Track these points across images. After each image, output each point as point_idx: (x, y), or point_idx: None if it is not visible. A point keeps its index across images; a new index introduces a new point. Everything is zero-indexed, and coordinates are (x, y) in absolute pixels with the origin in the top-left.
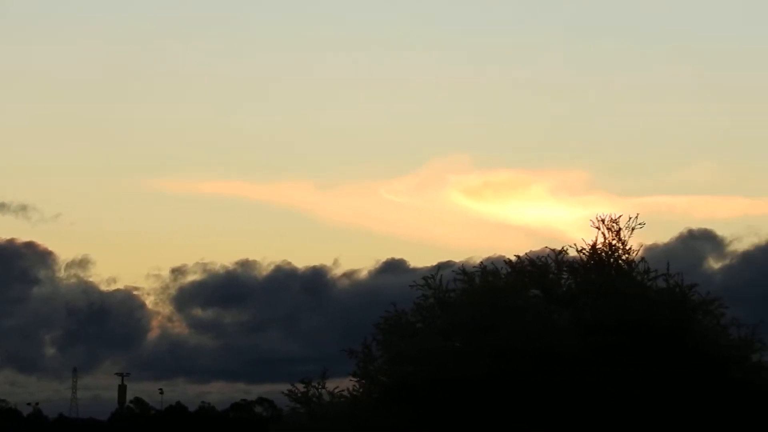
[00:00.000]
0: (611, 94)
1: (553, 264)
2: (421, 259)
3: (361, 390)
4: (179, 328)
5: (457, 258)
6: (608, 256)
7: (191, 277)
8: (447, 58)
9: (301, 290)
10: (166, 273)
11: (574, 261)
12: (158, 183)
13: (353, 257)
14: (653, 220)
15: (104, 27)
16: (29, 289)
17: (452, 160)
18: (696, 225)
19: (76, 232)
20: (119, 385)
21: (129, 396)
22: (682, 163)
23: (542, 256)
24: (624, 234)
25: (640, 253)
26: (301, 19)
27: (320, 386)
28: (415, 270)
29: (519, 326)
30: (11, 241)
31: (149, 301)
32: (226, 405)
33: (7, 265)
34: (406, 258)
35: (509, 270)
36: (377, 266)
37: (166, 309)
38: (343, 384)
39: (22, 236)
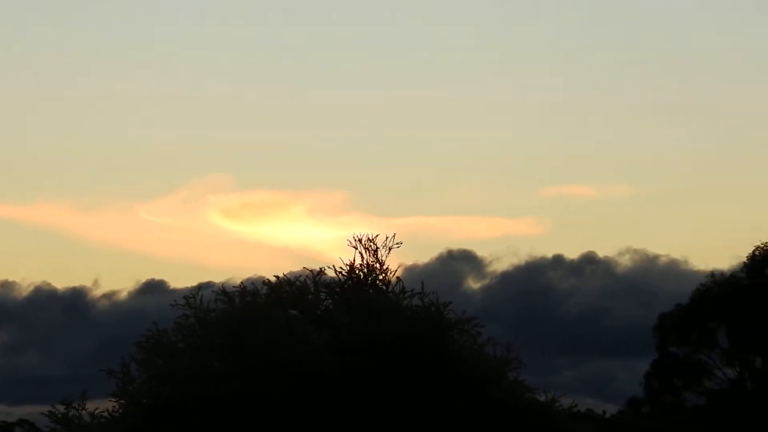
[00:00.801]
0: (368, 116)
1: (311, 284)
2: (182, 279)
3: (120, 411)
4: None
5: (218, 278)
6: (366, 276)
7: None
8: (206, 78)
9: (61, 311)
10: None
11: (332, 281)
12: None
13: (113, 278)
14: (414, 241)
15: None
16: None
17: (212, 180)
18: (456, 245)
19: None
20: None
21: None
22: (441, 184)
23: (301, 277)
24: (381, 254)
25: (399, 273)
26: (62, 34)
27: (80, 407)
28: (175, 291)
29: (276, 346)
30: None
31: None
32: None
33: None
34: (166, 279)
35: (268, 290)
36: (137, 287)
37: None
38: (103, 405)
39: None
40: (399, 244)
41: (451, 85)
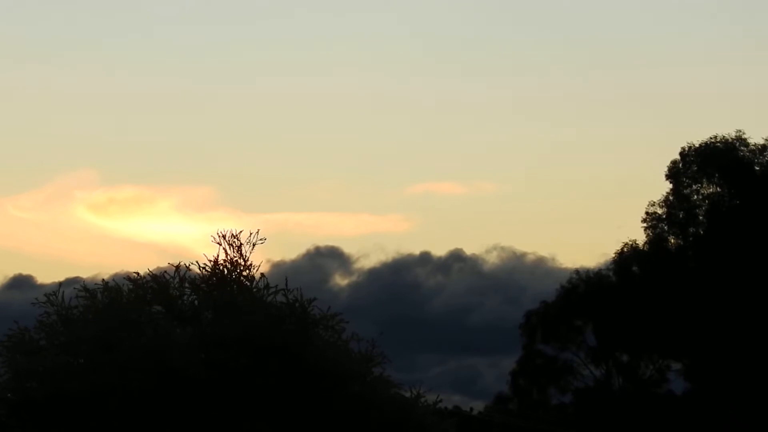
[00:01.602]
0: (235, 111)
1: (175, 280)
2: (49, 275)
3: None
4: None
5: (85, 274)
6: (230, 272)
7: None
8: (72, 72)
9: None
10: None
11: (196, 277)
12: None
13: None
14: (281, 237)
15: None
16: None
17: (78, 175)
18: (323, 242)
19: None
20: None
21: None
22: (308, 180)
23: (165, 272)
24: (246, 250)
25: (266, 269)
26: None
27: None
28: (43, 286)
29: (138, 342)
30: None
31: None
32: None
33: None
34: (33, 274)
35: (131, 286)
36: (4, 282)
37: None
38: None
39: None
40: (263, 240)
41: (318, 79)
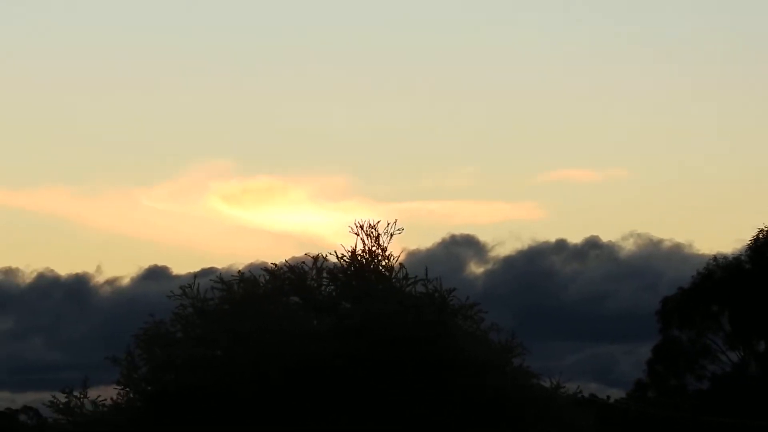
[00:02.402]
0: (367, 101)
1: (312, 270)
2: (184, 265)
3: (124, 399)
4: None
5: (220, 264)
6: (368, 262)
7: None
8: (205, 63)
9: (64, 297)
10: None
11: (334, 267)
12: None
13: (116, 264)
14: (415, 226)
15: None
16: None
17: (212, 166)
18: (458, 230)
19: None
20: None
21: None
22: (441, 169)
23: (301, 263)
24: (383, 240)
25: (402, 258)
26: (58, 20)
27: (82, 396)
28: (178, 277)
29: (277, 333)
30: None
31: None
32: None
33: None
34: (168, 264)
35: (268, 277)
36: (140, 273)
37: None
38: (107, 393)
39: None
40: (401, 230)
41: (450, 67)
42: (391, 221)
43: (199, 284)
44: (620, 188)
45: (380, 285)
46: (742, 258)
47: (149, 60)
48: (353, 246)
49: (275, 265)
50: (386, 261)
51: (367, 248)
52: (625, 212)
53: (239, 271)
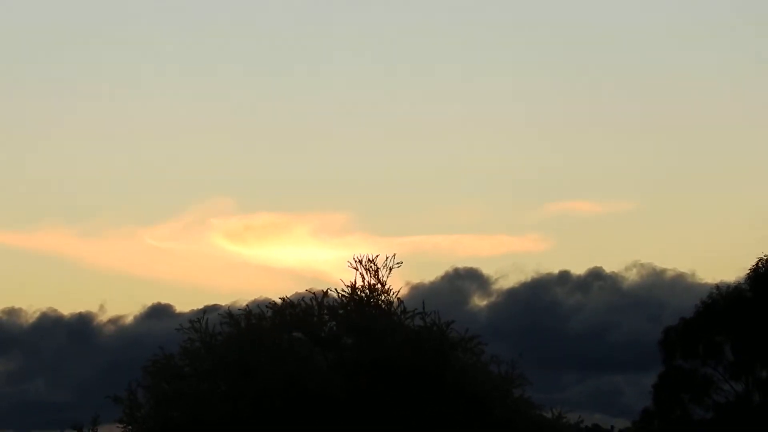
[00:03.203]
0: (368, 137)
1: (315, 306)
2: (188, 303)
3: None
4: None
5: (223, 301)
6: (368, 297)
7: None
8: (206, 103)
9: (68, 336)
10: None
11: (334, 302)
12: None
13: (119, 303)
14: (418, 260)
15: None
16: None
17: (214, 204)
18: (461, 263)
19: None
20: None
21: None
22: (443, 203)
23: (305, 298)
24: (382, 274)
25: (405, 291)
26: (61, 62)
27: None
28: (181, 314)
29: (281, 368)
30: None
31: None
32: None
33: None
34: (172, 302)
35: (273, 313)
36: (143, 311)
37: None
38: (112, 430)
39: None
40: (399, 263)
41: (451, 103)
42: (391, 255)
43: (207, 319)
44: (623, 219)
45: (380, 319)
46: (743, 287)
47: (151, 100)
48: (353, 281)
49: (283, 299)
50: (386, 295)
51: (366, 283)
52: (628, 243)
53: (246, 306)
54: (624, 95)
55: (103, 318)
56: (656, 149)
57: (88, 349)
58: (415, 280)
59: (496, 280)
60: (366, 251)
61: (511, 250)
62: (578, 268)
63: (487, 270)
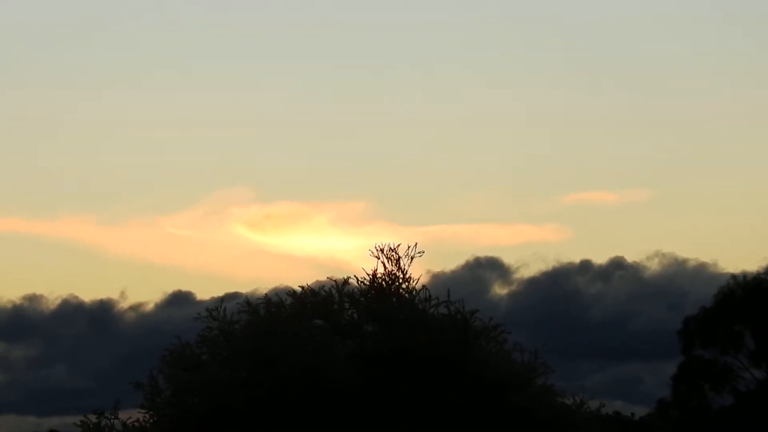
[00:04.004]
0: (388, 125)
1: (335, 294)
2: (208, 291)
3: (151, 421)
4: None
5: (243, 289)
6: (389, 286)
7: None
8: (226, 91)
9: (89, 324)
10: None
11: (355, 291)
12: None
13: (140, 290)
14: (439, 249)
15: None
16: None
17: (233, 193)
18: (481, 252)
19: None
20: None
21: None
22: (462, 192)
23: (325, 287)
24: (404, 263)
25: (425, 281)
26: (84, 50)
27: (113, 417)
28: (202, 302)
29: (300, 356)
30: None
31: None
32: None
33: None
34: (192, 290)
35: (293, 301)
36: (164, 299)
37: None
38: (134, 416)
39: None
40: (421, 253)
41: (472, 91)
42: (412, 245)
43: (225, 307)
44: (643, 209)
45: (401, 308)
46: (762, 276)
47: (171, 89)
48: (374, 269)
49: (302, 287)
50: (407, 284)
51: (387, 272)
52: (649, 232)
53: (266, 294)
54: (642, 83)
55: (124, 305)
56: (675, 137)
57: (109, 336)
58: (436, 269)
59: (517, 269)
60: (385, 240)
61: (530, 240)
62: (599, 258)
63: (507, 259)
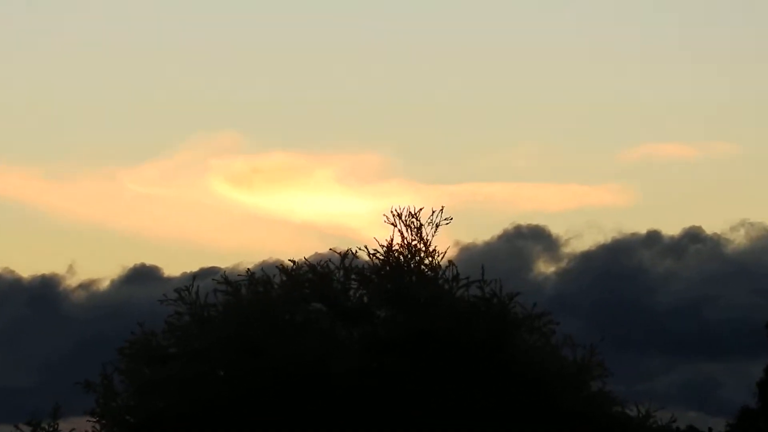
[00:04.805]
0: (410, 61)
1: (338, 270)
2: (178, 265)
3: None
4: None
5: (223, 263)
6: (407, 260)
7: None
8: (208, 23)
9: (27, 304)
10: None
11: (365, 266)
12: None
13: (93, 264)
14: (470, 214)
15: None
16: None
17: (216, 140)
18: (523, 219)
19: None
20: None
21: None
22: (503, 143)
23: (326, 261)
24: (426, 232)
25: (453, 255)
26: None
27: (52, 427)
28: (170, 279)
29: (294, 347)
30: None
31: None
32: None
33: None
34: (159, 264)
35: (284, 278)
36: (123, 274)
37: None
38: (80, 425)
39: None
40: (449, 219)
41: (516, 20)
42: (437, 208)
43: (198, 287)
44: (727, 167)
45: (423, 288)
46: None
47: (139, 10)
48: (389, 239)
49: (293, 262)
50: (430, 258)
51: (406, 242)
52: (733, 196)
53: (248, 270)
54: (728, 16)
55: (72, 282)
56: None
57: (52, 322)
58: (466, 240)
59: (567, 241)
60: (406, 202)
61: (585, 204)
62: (671, 228)
63: (555, 228)
